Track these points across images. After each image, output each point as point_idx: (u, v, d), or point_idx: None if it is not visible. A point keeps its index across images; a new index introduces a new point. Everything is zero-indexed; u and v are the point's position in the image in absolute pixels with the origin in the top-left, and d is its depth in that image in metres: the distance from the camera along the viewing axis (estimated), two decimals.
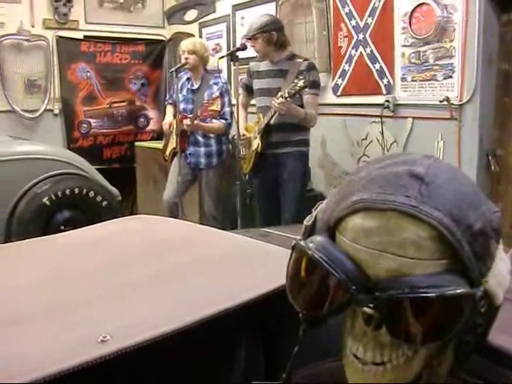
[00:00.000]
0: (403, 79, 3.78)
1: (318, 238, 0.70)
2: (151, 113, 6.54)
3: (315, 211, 0.77)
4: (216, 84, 4.28)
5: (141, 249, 1.39)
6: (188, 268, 1.22)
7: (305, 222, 0.76)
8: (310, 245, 0.69)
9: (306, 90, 3.52)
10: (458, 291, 0.62)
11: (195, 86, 4.34)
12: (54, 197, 4.10)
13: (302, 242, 0.70)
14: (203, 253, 1.33)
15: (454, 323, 0.63)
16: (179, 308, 1.01)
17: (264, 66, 3.84)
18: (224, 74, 5.21)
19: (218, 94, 4.21)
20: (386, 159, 0.72)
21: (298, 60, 3.72)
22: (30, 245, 1.55)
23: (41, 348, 0.90)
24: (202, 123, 4.13)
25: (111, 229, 1.64)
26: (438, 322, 0.63)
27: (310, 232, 0.75)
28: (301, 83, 3.41)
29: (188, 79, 4.38)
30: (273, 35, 3.70)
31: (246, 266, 1.25)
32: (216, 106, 4.05)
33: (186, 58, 4.23)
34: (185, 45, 4.27)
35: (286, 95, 3.43)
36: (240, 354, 1.14)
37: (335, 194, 0.74)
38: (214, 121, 4.19)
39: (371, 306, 0.63)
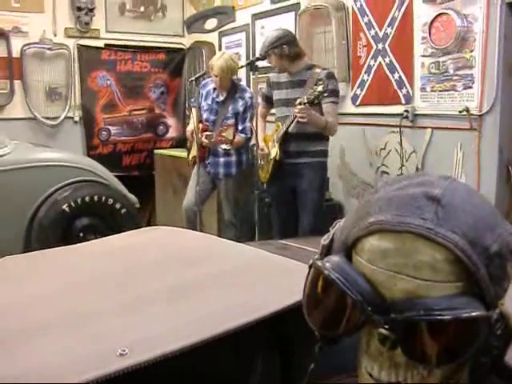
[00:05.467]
0: (422, 89, 3.77)
1: (335, 258, 0.71)
2: (170, 121, 6.59)
3: (332, 230, 0.78)
4: (242, 98, 4.26)
5: (159, 261, 1.40)
6: (206, 281, 1.23)
7: (322, 241, 0.77)
8: (327, 265, 0.69)
9: (325, 98, 3.52)
10: (474, 314, 0.62)
11: (221, 98, 4.31)
12: (73, 204, 4.14)
13: (318, 262, 0.71)
14: (222, 266, 1.34)
15: (470, 346, 0.64)
16: (197, 322, 1.02)
17: (284, 77, 3.84)
18: (243, 83, 5.23)
19: (238, 115, 4.20)
20: (403, 180, 0.72)
21: (317, 70, 3.71)
22: (51, 254, 1.57)
23: (61, 359, 0.91)
24: (221, 138, 4.05)
25: (130, 240, 1.66)
26: (453, 345, 0.63)
27: (327, 251, 0.75)
28: (320, 88, 3.41)
29: (214, 89, 4.33)
30: (284, 49, 3.68)
31: (264, 280, 1.25)
32: (228, 134, 3.98)
33: (220, 80, 4.19)
34: (215, 69, 4.16)
35: (305, 101, 3.43)
36: (256, 368, 1.15)
37: (353, 214, 0.74)
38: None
39: (386, 327, 0.64)
